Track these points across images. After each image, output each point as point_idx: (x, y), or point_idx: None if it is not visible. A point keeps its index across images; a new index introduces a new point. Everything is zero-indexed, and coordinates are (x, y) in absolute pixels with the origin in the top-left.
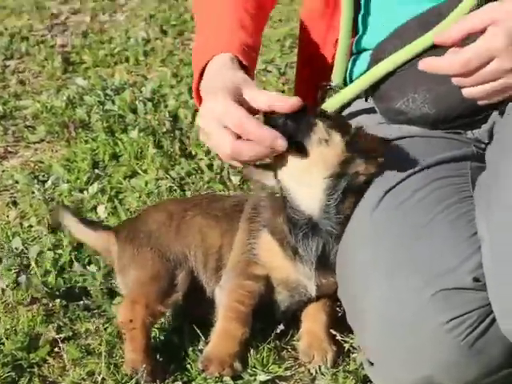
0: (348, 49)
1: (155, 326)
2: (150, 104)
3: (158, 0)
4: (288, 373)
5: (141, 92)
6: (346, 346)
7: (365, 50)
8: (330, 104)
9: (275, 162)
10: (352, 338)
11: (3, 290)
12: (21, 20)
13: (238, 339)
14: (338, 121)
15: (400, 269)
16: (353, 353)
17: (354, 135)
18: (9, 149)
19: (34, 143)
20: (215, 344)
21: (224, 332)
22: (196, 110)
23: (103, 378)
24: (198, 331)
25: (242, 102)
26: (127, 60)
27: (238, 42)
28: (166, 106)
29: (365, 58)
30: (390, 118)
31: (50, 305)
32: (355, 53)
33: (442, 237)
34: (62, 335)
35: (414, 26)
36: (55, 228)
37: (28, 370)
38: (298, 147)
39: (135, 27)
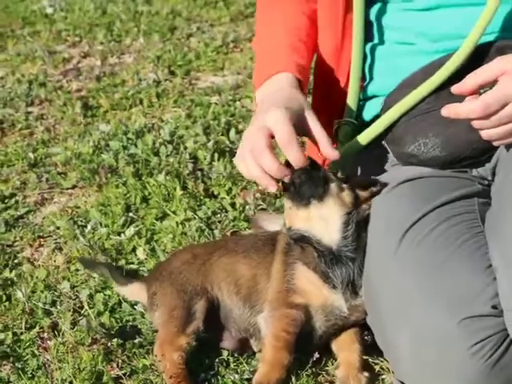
0: (358, 94)
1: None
2: (170, 147)
3: (162, 41)
4: None
5: (159, 134)
6: (377, 367)
7: (374, 96)
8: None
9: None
10: (381, 360)
11: (64, 332)
12: (35, 66)
13: (286, 367)
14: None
15: (426, 303)
16: (382, 374)
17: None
18: (45, 195)
19: (68, 189)
20: (265, 372)
21: (273, 361)
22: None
23: None
24: (242, 359)
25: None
26: (141, 102)
27: (295, 63)
28: (185, 148)
29: (375, 103)
30: (403, 160)
31: (109, 344)
32: (363, 99)
33: (462, 271)
34: (123, 371)
35: (421, 76)
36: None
37: None
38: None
39: (144, 69)
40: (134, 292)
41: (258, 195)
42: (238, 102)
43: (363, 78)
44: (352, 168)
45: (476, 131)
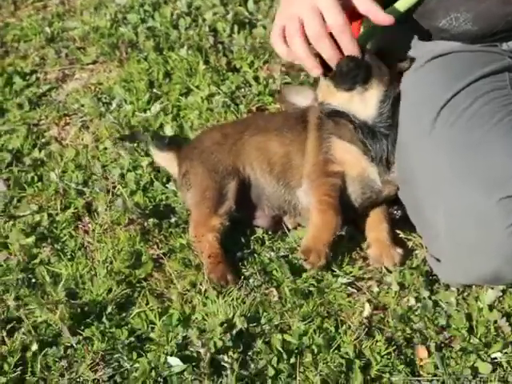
0: None
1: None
2: (188, 19)
3: None
4: (360, 272)
5: (177, 6)
6: (410, 244)
7: None
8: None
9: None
10: (414, 236)
11: (99, 213)
12: None
13: (333, 229)
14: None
15: (460, 182)
16: (415, 249)
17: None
18: (65, 72)
19: (88, 64)
20: (313, 236)
21: (321, 223)
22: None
23: (206, 289)
24: (277, 237)
25: None
26: None
27: None
28: (204, 20)
29: None
30: (434, 35)
31: (145, 224)
32: None
33: (497, 151)
34: (161, 251)
35: None
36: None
37: (137, 285)
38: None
39: None
40: (167, 160)
41: (283, 69)
42: None
43: None
44: (379, 42)
45: (510, 4)
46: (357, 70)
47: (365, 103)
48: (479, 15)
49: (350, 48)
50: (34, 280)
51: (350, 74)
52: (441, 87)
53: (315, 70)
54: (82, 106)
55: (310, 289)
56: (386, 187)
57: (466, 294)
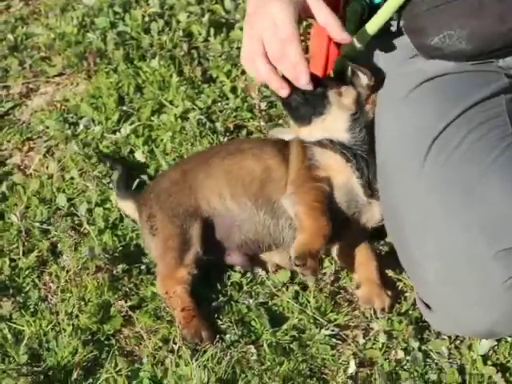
0: None
1: None
2: (161, 21)
3: None
4: (346, 319)
5: (148, 5)
6: (400, 284)
7: None
8: (370, 28)
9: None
10: (404, 277)
11: (64, 257)
12: None
13: (325, 236)
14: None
15: (460, 226)
16: (405, 291)
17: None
18: (30, 85)
19: (54, 77)
20: (304, 241)
21: (312, 228)
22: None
23: (179, 347)
24: (256, 281)
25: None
26: None
27: None
28: (178, 22)
29: None
30: (425, 53)
31: (114, 272)
32: None
33: (494, 195)
34: (131, 303)
35: None
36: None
37: (105, 342)
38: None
39: None
40: (130, 209)
41: (263, 88)
42: None
43: None
44: (366, 59)
45: (508, 21)
46: (306, 104)
47: (330, 130)
48: (474, 33)
49: (296, 70)
50: None
51: (300, 110)
52: (431, 119)
53: (281, 91)
54: (47, 127)
55: (291, 345)
56: (369, 209)
57: (458, 341)
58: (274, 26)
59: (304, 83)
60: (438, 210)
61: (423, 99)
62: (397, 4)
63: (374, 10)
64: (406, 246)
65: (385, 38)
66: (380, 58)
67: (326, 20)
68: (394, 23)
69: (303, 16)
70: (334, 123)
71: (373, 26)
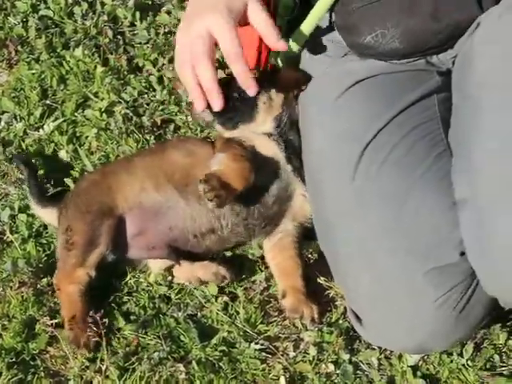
0: None
1: None
2: (85, 5)
3: None
4: (276, 330)
5: None
6: (331, 292)
7: None
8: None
9: None
10: (334, 285)
11: None
12: None
13: (245, 175)
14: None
15: (387, 247)
16: (335, 300)
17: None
18: None
19: None
20: (221, 172)
21: (234, 167)
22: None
23: (106, 367)
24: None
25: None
26: None
27: None
28: (102, 5)
29: None
30: (358, 51)
31: (38, 286)
32: None
33: (426, 210)
34: (56, 320)
35: None
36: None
37: (31, 363)
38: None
39: None
40: (48, 218)
41: None
42: None
43: None
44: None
45: (442, 19)
46: (233, 110)
47: (255, 131)
48: (407, 32)
49: (242, 79)
50: None
51: (225, 115)
52: (361, 125)
53: (198, 104)
54: None
55: (220, 362)
56: (300, 199)
57: (388, 352)
58: (209, 34)
59: (216, 110)
60: (369, 226)
61: (352, 103)
62: (330, 1)
63: (304, 3)
64: (338, 258)
65: (315, 34)
66: (308, 55)
67: (263, 30)
68: (326, 18)
69: (242, 23)
70: (260, 126)
71: (308, 25)
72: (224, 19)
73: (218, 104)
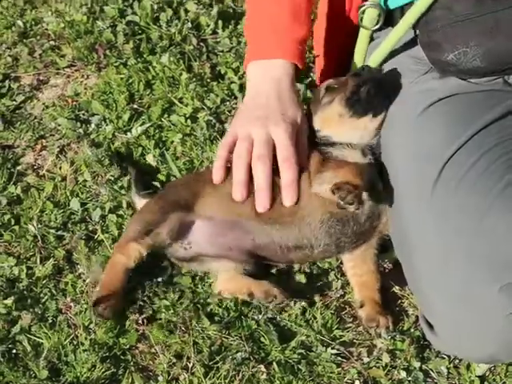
0: None
1: None
2: (170, 11)
3: None
4: (351, 336)
5: None
6: (404, 302)
7: None
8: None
9: None
10: (409, 294)
11: (76, 264)
12: None
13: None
14: None
15: (464, 262)
16: (407, 309)
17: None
18: (40, 77)
19: (64, 68)
20: (341, 175)
21: (349, 172)
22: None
23: (193, 364)
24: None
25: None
26: None
27: (296, 42)
28: (186, 12)
29: None
30: (439, 68)
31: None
32: None
33: (502, 225)
34: (144, 315)
35: None
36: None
37: (122, 357)
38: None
39: None
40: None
41: None
42: None
43: None
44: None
45: None
46: (378, 96)
47: (362, 135)
48: (489, 52)
49: (288, 189)
50: (14, 351)
51: (371, 98)
52: (441, 143)
53: (239, 195)
54: (59, 125)
55: (299, 365)
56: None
57: (457, 361)
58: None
59: (260, 211)
60: (447, 238)
61: (433, 122)
62: (400, 35)
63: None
64: (414, 272)
65: (399, 49)
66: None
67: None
68: (409, 34)
69: None
70: (373, 127)
71: (377, 57)
72: (286, 133)
73: (264, 205)
